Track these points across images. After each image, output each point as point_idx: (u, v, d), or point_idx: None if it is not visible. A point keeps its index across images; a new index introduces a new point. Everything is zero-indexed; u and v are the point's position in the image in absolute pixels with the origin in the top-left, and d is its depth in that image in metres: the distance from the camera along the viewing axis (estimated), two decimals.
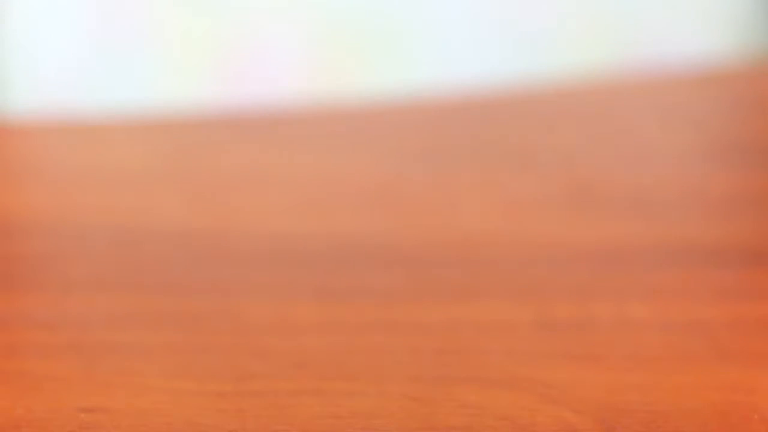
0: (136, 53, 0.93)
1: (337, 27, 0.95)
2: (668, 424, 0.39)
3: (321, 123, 0.80)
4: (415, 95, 0.85)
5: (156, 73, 0.93)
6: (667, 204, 0.64)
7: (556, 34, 0.96)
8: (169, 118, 0.84)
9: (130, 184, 0.67)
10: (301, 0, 0.95)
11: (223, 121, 0.82)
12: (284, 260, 0.55)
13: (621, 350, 0.45)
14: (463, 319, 0.48)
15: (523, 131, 0.78)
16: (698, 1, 0.99)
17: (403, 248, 0.56)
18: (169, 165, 0.73)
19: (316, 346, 0.45)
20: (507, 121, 0.81)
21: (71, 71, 0.93)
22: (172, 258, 0.53)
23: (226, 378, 0.42)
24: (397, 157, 0.70)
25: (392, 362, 0.43)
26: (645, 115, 0.81)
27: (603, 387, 0.42)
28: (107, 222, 0.60)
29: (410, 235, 0.58)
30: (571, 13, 0.97)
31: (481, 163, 0.71)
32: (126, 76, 0.92)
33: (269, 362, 0.44)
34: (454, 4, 0.96)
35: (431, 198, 0.63)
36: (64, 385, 0.42)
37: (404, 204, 0.64)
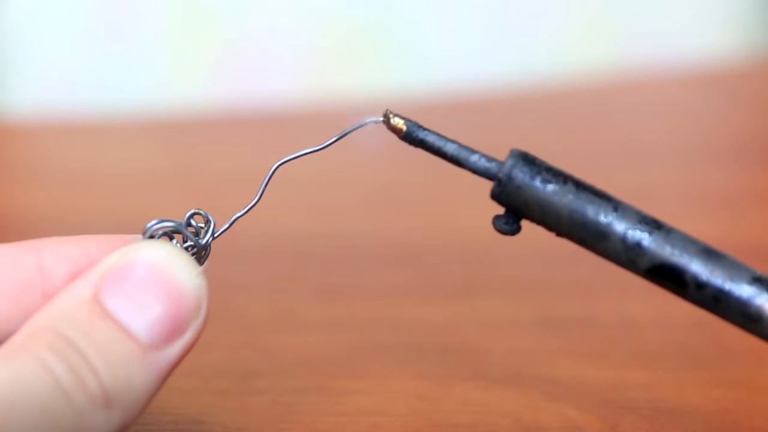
0: (136, 53, 0.93)
1: (337, 27, 0.95)
2: (671, 420, 0.39)
3: (321, 123, 0.80)
4: (414, 95, 0.85)
5: (156, 73, 0.93)
6: (667, 203, 0.64)
7: (556, 34, 0.96)
8: (169, 118, 0.84)
9: (130, 184, 0.67)
10: (301, 0, 0.95)
11: (223, 121, 0.82)
12: (287, 259, 0.55)
13: (624, 348, 0.45)
14: (466, 318, 0.48)
15: (523, 131, 0.78)
16: (698, 0, 0.99)
17: (406, 247, 0.56)
18: (169, 165, 0.73)
19: (320, 344, 0.45)
20: (507, 121, 0.82)
21: (71, 71, 0.93)
22: None
23: (230, 376, 0.42)
24: (398, 157, 0.70)
25: (396, 360, 0.44)
26: (645, 115, 0.82)
27: (606, 384, 0.42)
28: (107, 222, 0.60)
29: (412, 234, 0.58)
30: (571, 12, 0.97)
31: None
32: (126, 77, 0.92)
33: (273, 360, 0.44)
34: (453, 5, 0.96)
35: (433, 197, 0.63)
36: None
37: (406, 203, 0.64)
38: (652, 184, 0.67)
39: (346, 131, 0.35)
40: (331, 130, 0.36)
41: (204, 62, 0.96)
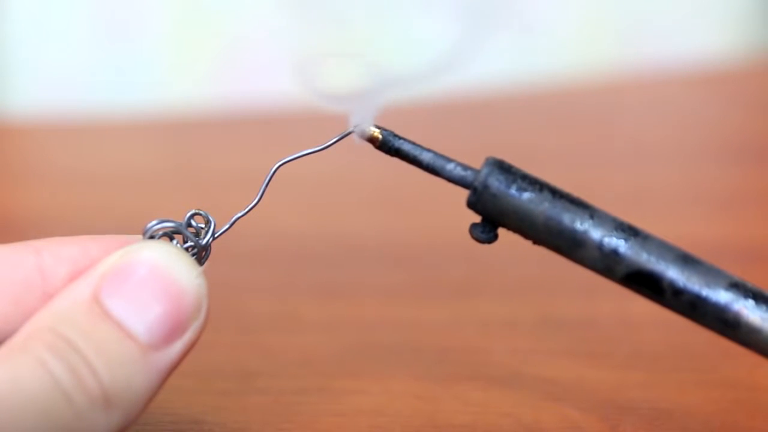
0: (136, 53, 0.93)
1: (337, 27, 0.95)
2: (671, 420, 0.39)
3: (321, 123, 0.80)
4: (414, 95, 0.85)
5: (156, 73, 0.93)
6: (667, 203, 0.64)
7: (556, 34, 0.96)
8: (169, 118, 0.84)
9: (130, 184, 0.67)
10: (301, 0, 0.95)
11: (223, 121, 0.82)
12: (287, 259, 0.55)
13: (624, 348, 0.45)
14: (466, 318, 0.48)
15: (523, 131, 0.78)
16: (698, 0, 0.99)
17: (406, 247, 0.56)
18: (169, 165, 0.73)
19: (320, 344, 0.45)
20: (507, 121, 0.82)
21: (71, 71, 0.93)
22: None
23: (230, 376, 0.42)
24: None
25: (396, 360, 0.43)
26: (645, 115, 0.82)
27: (606, 384, 0.42)
28: (107, 222, 0.60)
29: (412, 234, 0.58)
30: (571, 12, 0.97)
31: (481, 163, 0.71)
32: (126, 77, 0.92)
33: (273, 360, 0.44)
34: (452, 5, 0.95)
35: (433, 197, 0.63)
36: None
37: (406, 203, 0.64)
38: (653, 183, 0.67)
39: (347, 132, 0.35)
40: (331, 130, 0.36)
41: (204, 62, 0.96)
